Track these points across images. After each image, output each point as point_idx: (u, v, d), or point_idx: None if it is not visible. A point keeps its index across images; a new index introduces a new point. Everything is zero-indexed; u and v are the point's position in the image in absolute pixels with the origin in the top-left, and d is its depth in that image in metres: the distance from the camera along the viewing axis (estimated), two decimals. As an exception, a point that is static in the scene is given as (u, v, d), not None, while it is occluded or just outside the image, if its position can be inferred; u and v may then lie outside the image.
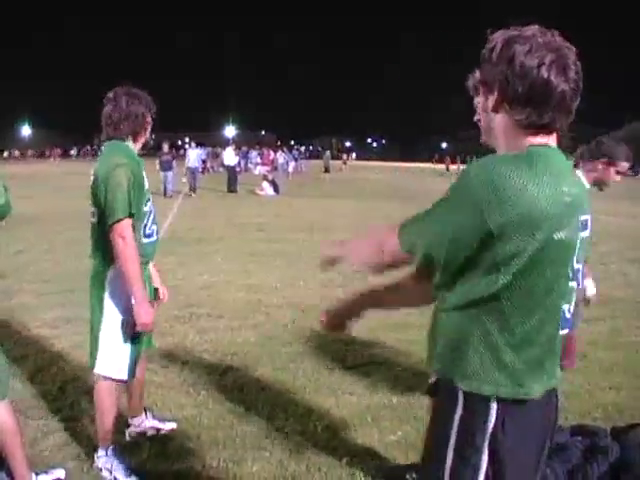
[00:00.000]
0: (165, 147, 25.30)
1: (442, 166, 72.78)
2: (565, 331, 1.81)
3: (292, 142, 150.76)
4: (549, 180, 1.63)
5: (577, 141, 3.11)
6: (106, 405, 3.69)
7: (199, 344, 6.02)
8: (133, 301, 3.45)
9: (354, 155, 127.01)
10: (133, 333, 3.56)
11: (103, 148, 3.71)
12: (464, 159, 69.57)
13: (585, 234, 1.78)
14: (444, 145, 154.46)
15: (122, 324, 3.56)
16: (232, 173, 28.19)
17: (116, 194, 3.39)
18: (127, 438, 4.06)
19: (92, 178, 3.58)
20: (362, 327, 6.71)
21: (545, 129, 1.71)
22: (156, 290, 3.95)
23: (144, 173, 3.61)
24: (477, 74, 1.80)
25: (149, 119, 3.71)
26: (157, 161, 24.27)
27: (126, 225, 3.40)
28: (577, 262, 1.76)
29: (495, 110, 1.75)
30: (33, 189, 24.69)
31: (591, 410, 4.66)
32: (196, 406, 4.54)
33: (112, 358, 3.61)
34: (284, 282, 8.99)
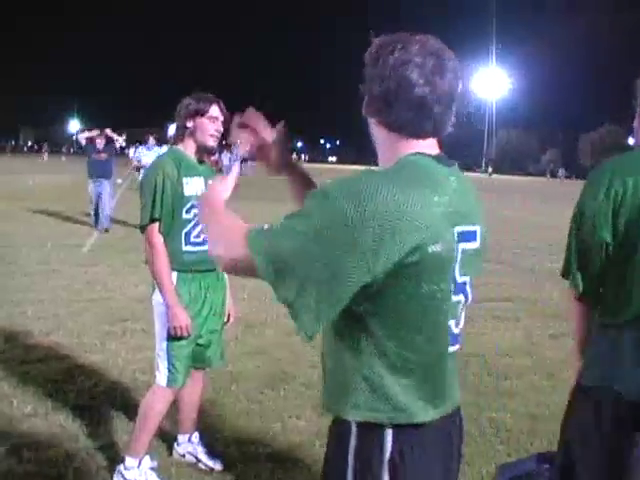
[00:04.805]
0: (99, 142, 16.06)
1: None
2: (456, 347, 1.80)
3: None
4: (416, 192, 1.60)
5: None
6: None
7: (132, 363, 5.81)
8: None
9: (305, 157, 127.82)
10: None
11: None
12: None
13: (474, 245, 1.75)
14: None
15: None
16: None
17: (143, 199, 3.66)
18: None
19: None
20: (307, 345, 6.60)
21: (416, 136, 1.70)
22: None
23: (190, 179, 3.70)
24: None
25: (196, 122, 3.71)
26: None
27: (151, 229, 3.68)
28: (462, 275, 1.73)
29: (367, 113, 1.76)
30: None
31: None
32: (128, 432, 4.34)
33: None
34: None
